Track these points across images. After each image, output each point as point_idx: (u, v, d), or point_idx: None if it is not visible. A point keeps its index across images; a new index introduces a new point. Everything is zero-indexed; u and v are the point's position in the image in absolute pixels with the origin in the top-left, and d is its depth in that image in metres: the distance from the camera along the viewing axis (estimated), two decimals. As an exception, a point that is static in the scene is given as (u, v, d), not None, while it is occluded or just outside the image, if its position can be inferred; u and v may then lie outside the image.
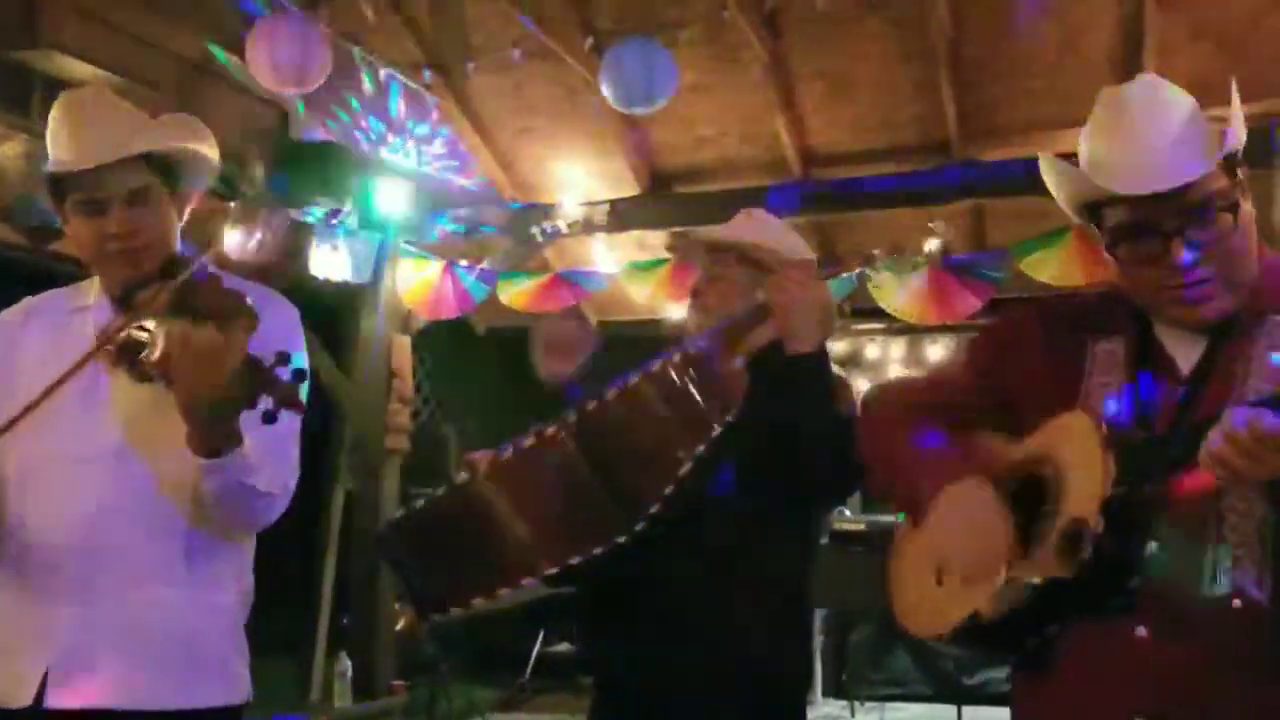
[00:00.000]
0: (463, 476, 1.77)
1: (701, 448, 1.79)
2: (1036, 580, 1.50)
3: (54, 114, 1.96)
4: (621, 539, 1.71)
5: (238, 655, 1.97)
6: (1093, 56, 4.82)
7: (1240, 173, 1.58)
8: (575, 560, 1.70)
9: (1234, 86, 1.60)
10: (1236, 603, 1.45)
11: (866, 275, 2.38)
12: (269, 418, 1.68)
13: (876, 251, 2.32)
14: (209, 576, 1.92)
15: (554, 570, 1.71)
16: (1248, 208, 1.57)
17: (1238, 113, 1.57)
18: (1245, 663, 1.46)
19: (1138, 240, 1.56)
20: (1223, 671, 1.46)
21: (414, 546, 1.83)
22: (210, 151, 2.03)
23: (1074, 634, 1.57)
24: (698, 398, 1.85)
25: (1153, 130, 1.55)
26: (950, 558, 1.63)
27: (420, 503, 1.75)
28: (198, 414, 1.72)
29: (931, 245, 2.29)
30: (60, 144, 1.93)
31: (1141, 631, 1.50)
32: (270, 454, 1.85)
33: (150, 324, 1.76)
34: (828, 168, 5.53)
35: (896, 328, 5.65)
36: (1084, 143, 1.63)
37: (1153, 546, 1.45)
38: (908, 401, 1.88)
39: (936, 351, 7.91)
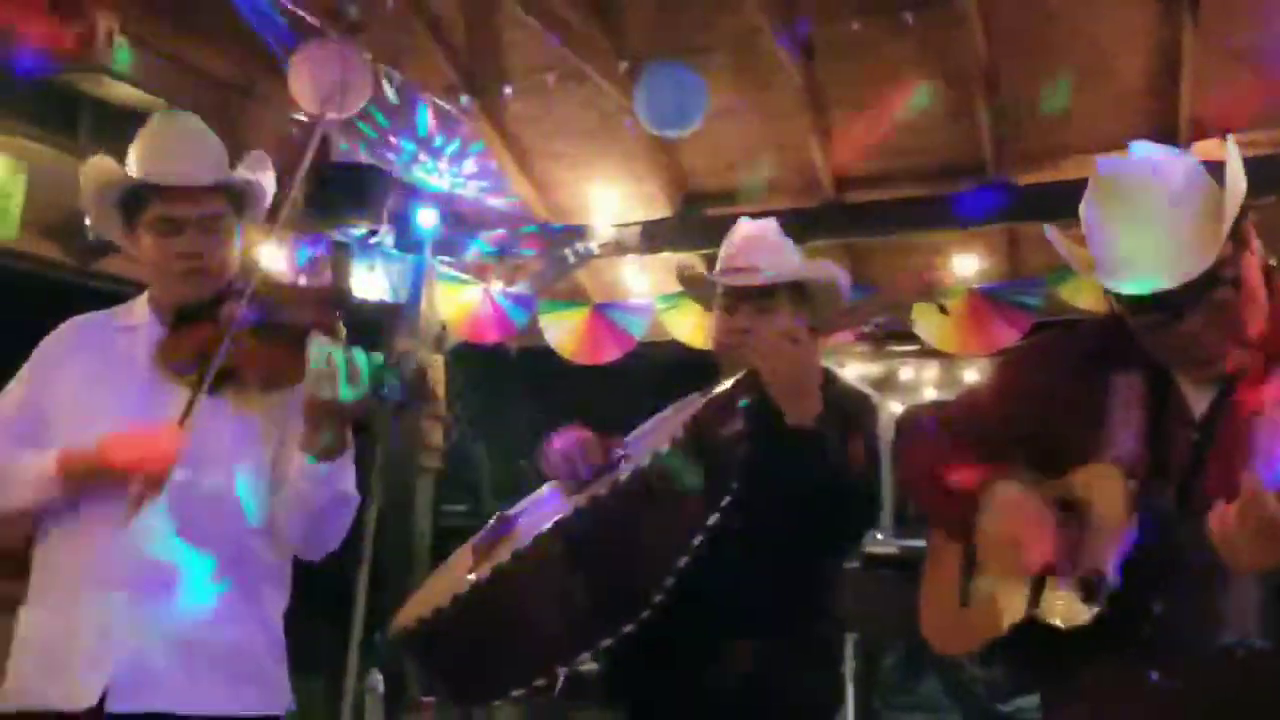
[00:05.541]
0: (470, 579, 1.77)
1: (699, 538, 1.77)
2: (1056, 622, 1.53)
3: (150, 130, 2.05)
4: (629, 628, 1.70)
5: (280, 666, 2.03)
6: (1128, 81, 4.81)
7: (1244, 225, 1.57)
8: (582, 655, 1.70)
9: (1230, 142, 1.60)
10: (1241, 652, 1.49)
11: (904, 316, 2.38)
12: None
13: (903, 298, 2.32)
14: (255, 589, 1.98)
15: (564, 669, 1.70)
16: (1253, 262, 1.59)
17: (1235, 166, 1.56)
18: (1249, 707, 1.50)
19: (1148, 312, 1.60)
20: (1229, 716, 1.50)
21: (437, 648, 1.82)
22: (272, 187, 2.12)
23: (1095, 671, 1.61)
24: (695, 489, 1.81)
25: (1153, 225, 1.55)
26: (995, 550, 1.64)
27: (438, 607, 1.73)
28: (321, 421, 1.85)
29: (961, 275, 2.29)
30: (155, 159, 2.00)
31: (1154, 675, 1.55)
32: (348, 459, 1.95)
33: (238, 342, 1.91)
34: (860, 190, 5.52)
35: (930, 350, 5.62)
36: (1084, 216, 1.64)
37: (1163, 602, 1.48)
38: (942, 427, 1.90)
39: (971, 375, 7.86)
